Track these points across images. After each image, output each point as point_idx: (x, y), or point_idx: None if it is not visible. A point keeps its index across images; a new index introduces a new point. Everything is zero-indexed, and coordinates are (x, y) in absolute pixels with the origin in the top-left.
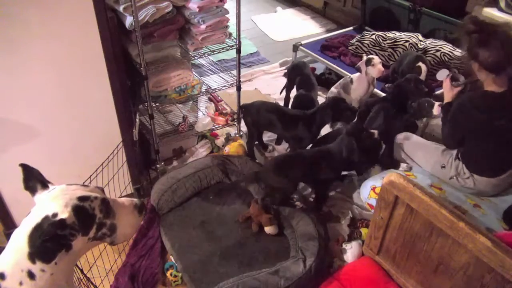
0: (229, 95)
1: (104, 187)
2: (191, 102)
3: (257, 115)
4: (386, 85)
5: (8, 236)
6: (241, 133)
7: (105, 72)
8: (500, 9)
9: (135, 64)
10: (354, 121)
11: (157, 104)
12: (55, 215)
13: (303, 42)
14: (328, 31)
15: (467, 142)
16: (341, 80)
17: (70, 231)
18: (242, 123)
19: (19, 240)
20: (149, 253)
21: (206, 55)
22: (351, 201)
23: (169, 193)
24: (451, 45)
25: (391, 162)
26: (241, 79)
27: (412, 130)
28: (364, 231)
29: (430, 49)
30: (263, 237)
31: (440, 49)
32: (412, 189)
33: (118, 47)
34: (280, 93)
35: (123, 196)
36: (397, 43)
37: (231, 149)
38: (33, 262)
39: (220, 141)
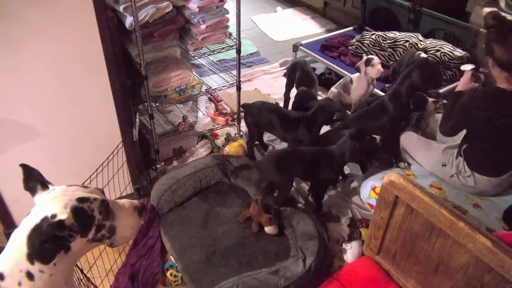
0: (229, 95)
1: (104, 187)
2: (191, 102)
3: (258, 115)
4: (386, 85)
5: (8, 236)
6: (241, 133)
7: (105, 72)
8: (500, 9)
9: (135, 64)
10: (356, 122)
11: (157, 104)
12: (54, 216)
13: (303, 42)
14: (328, 31)
15: (468, 140)
16: (341, 80)
17: (69, 232)
18: (242, 123)
19: (18, 241)
20: (149, 253)
21: (206, 55)
22: (351, 201)
23: (169, 193)
24: (451, 45)
25: (387, 158)
26: (241, 79)
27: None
28: (364, 231)
29: (430, 49)
30: (263, 237)
31: (440, 49)
32: (412, 189)
33: (118, 47)
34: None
35: (123, 196)
36: (397, 43)
37: (231, 149)
38: (32, 262)
39: (220, 141)
